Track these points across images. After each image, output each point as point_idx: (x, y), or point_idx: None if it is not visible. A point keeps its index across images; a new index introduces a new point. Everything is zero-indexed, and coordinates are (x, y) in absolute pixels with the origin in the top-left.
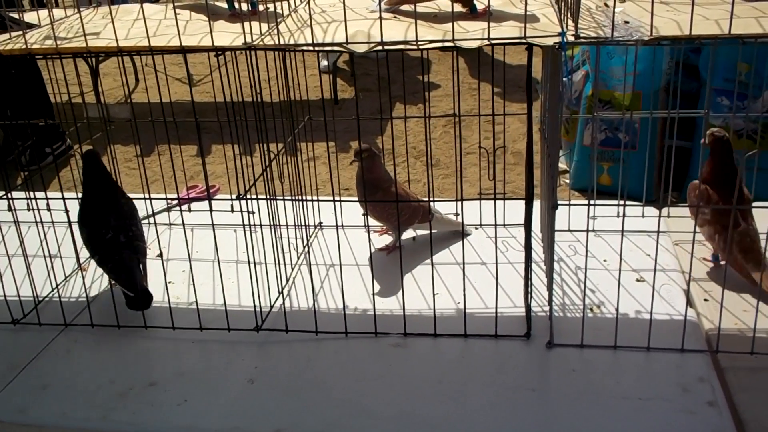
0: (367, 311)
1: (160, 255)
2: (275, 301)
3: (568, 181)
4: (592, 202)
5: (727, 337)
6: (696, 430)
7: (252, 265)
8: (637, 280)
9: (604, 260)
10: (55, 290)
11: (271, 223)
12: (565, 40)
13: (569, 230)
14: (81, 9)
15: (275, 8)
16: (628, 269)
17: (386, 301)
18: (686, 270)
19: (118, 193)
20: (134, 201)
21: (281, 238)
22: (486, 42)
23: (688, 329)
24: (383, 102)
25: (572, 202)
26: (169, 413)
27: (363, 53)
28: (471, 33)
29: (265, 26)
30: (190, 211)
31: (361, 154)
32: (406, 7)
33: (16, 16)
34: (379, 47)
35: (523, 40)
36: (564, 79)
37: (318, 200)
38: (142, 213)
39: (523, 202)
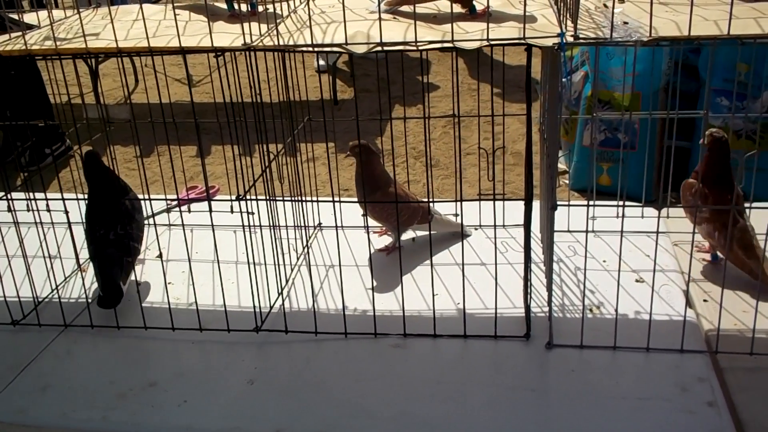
0: (366, 312)
1: (160, 256)
2: (275, 302)
3: (567, 181)
4: (591, 202)
5: (727, 337)
6: (695, 430)
7: (252, 266)
8: (637, 281)
9: (604, 261)
10: (55, 291)
11: (271, 224)
12: (565, 41)
13: (569, 231)
14: (80, 10)
15: (275, 9)
16: (627, 270)
17: (386, 302)
18: (685, 270)
19: (119, 192)
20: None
21: (281, 238)
22: (485, 43)
23: (688, 330)
24: (383, 103)
25: (572, 202)
26: (168, 414)
27: (362, 54)
28: (470, 34)
29: (264, 27)
30: (189, 211)
31: (356, 149)
32: (405, 8)
33: (15, 17)
34: (379, 48)
35: (523, 41)
36: (563, 79)
37: (317, 201)
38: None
39: (522, 203)
